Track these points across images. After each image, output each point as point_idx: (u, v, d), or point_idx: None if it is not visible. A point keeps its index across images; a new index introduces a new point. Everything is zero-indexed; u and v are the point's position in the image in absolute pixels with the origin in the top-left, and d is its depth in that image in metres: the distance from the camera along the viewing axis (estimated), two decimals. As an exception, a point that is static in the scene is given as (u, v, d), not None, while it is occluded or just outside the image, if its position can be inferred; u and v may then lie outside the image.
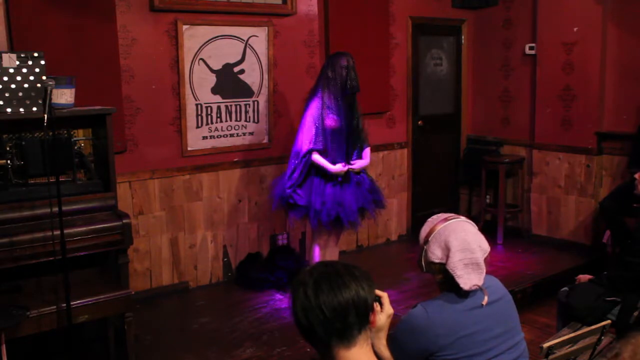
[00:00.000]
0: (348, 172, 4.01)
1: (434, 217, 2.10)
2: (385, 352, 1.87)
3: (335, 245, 4.27)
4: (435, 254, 2.01)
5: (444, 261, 1.99)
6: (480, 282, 1.97)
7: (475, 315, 1.96)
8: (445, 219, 2.05)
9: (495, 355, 1.96)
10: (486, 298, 1.98)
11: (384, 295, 1.73)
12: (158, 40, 4.31)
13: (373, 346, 1.69)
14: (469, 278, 1.95)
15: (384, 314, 1.73)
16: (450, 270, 1.96)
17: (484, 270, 1.99)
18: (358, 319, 1.52)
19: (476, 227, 2.07)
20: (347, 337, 1.52)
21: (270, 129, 4.92)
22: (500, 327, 1.99)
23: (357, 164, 4.04)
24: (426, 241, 2.04)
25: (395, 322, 2.16)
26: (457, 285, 1.96)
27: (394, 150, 5.82)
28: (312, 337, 1.54)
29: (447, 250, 1.98)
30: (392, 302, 1.78)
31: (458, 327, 1.93)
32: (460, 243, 1.97)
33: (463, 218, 2.08)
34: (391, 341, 2.01)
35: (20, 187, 3.24)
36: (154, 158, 4.38)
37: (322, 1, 5.11)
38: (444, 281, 2.02)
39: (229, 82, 4.68)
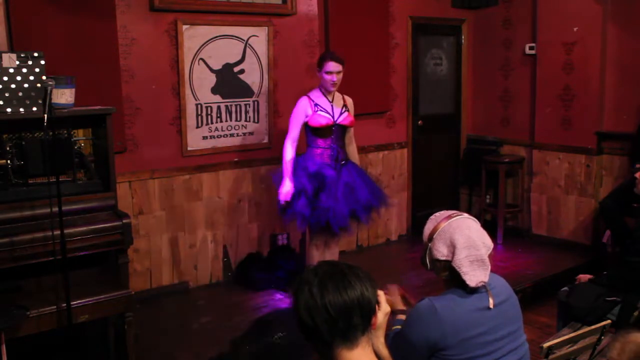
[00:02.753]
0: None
1: (437, 214, 2.09)
2: (383, 350, 1.86)
3: (335, 246, 4.27)
4: (441, 251, 2.00)
5: (449, 259, 1.98)
6: (485, 279, 1.97)
7: (482, 317, 1.96)
8: (449, 217, 2.04)
9: (499, 358, 1.96)
10: (491, 300, 1.97)
11: (381, 294, 1.72)
12: (158, 40, 4.31)
13: (372, 345, 1.68)
14: (474, 275, 1.95)
15: (381, 312, 1.72)
16: (457, 268, 1.96)
17: (489, 267, 1.99)
18: (362, 319, 1.52)
19: (479, 224, 2.06)
20: (350, 338, 1.51)
21: (270, 129, 4.91)
22: (506, 329, 1.99)
23: None
24: (430, 239, 2.04)
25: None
26: (463, 282, 1.96)
27: (394, 150, 5.82)
28: (315, 337, 1.53)
29: (452, 247, 1.98)
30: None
31: (465, 328, 1.93)
32: (466, 240, 1.97)
33: (466, 215, 2.07)
34: (395, 336, 2.01)
35: (20, 187, 3.24)
36: (154, 158, 4.38)
37: (322, 1, 5.11)
38: (450, 278, 2.02)
39: (229, 82, 4.68)
